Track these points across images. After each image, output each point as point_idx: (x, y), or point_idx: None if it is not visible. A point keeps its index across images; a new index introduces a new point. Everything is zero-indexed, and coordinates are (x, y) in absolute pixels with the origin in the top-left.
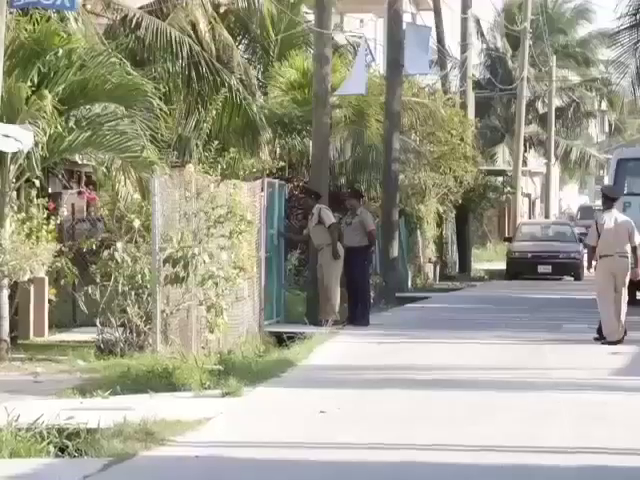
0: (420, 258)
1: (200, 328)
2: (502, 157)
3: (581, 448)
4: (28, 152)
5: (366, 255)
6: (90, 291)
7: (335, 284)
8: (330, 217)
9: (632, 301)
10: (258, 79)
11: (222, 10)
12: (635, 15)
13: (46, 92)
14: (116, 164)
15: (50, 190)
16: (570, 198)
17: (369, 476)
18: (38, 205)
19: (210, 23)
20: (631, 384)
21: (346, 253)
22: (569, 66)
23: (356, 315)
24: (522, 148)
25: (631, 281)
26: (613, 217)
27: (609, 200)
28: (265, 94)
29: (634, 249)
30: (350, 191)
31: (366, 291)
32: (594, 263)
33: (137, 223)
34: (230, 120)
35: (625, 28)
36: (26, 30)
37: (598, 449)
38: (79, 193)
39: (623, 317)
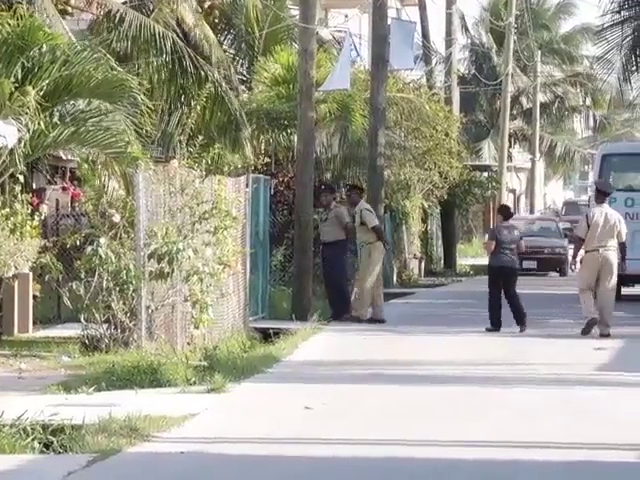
0: (405, 254)
1: (185, 324)
2: (487, 152)
3: (569, 443)
4: (12, 148)
5: (343, 250)
6: (74, 287)
7: (367, 282)
8: (373, 219)
9: (617, 296)
10: (243, 74)
11: (207, 5)
12: (619, 12)
13: (30, 88)
14: (100, 159)
15: (34, 186)
16: (555, 193)
17: (355, 471)
18: (22, 201)
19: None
20: (617, 379)
21: (322, 249)
22: (553, 62)
23: (337, 310)
24: (507, 143)
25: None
26: (604, 212)
27: (602, 195)
28: (250, 89)
29: (622, 244)
30: (350, 185)
31: (343, 286)
32: (580, 257)
33: (117, 218)
34: (212, 116)
35: (610, 25)
36: (9, 25)
37: (586, 444)
38: (63, 189)
39: (611, 312)
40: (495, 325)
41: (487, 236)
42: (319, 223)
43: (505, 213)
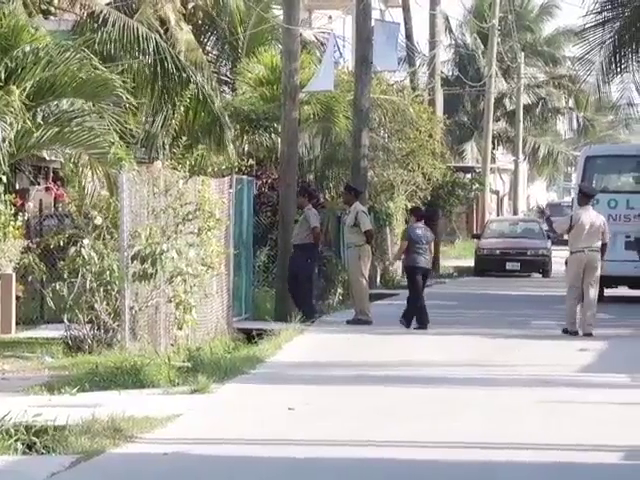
0: (389, 255)
1: (169, 325)
2: (470, 154)
3: (550, 445)
4: None
5: (310, 253)
6: (58, 287)
7: (363, 282)
8: (368, 223)
9: (600, 298)
10: (227, 75)
11: (190, 6)
12: (601, 13)
13: (14, 88)
14: (83, 160)
15: (17, 186)
16: (538, 195)
17: (337, 472)
18: (5, 201)
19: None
20: (599, 380)
21: (293, 250)
22: (537, 64)
23: (304, 312)
24: (490, 145)
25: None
26: (588, 214)
27: (586, 197)
28: (233, 90)
29: (604, 245)
30: (347, 185)
31: (308, 289)
32: (566, 257)
33: (99, 220)
34: (195, 117)
35: (591, 26)
36: None
37: (567, 446)
38: (47, 189)
39: (594, 312)
40: (422, 323)
41: (400, 236)
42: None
43: (418, 214)
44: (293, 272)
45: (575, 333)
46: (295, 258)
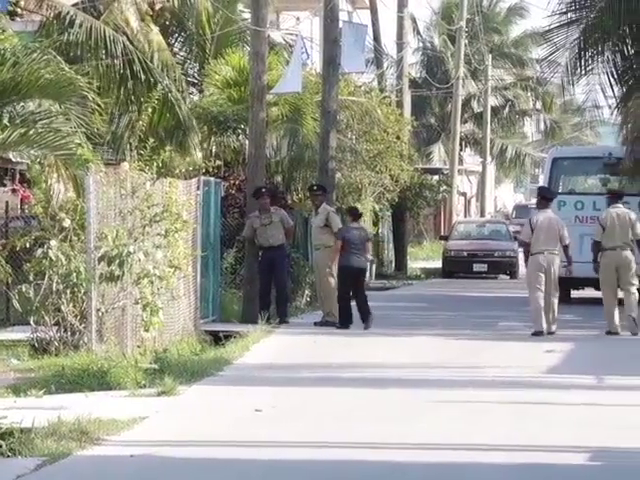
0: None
1: (135, 327)
2: (438, 156)
3: (517, 446)
4: None
5: (286, 253)
6: (24, 289)
7: (333, 284)
8: (338, 222)
9: (566, 300)
10: (194, 77)
11: (157, 7)
12: (566, 13)
13: None
14: (49, 161)
15: None
16: (506, 196)
17: (304, 474)
18: None
19: (143, 21)
20: (566, 382)
21: (266, 252)
22: (504, 66)
23: (280, 313)
24: (458, 147)
25: (564, 279)
26: (547, 216)
27: (544, 200)
28: (201, 92)
29: (565, 247)
30: (317, 186)
31: (287, 288)
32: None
33: (67, 222)
34: (160, 119)
35: (556, 27)
36: None
37: (534, 447)
38: (13, 191)
39: (555, 312)
40: (345, 323)
41: (338, 236)
42: (258, 227)
43: (354, 214)
44: (276, 272)
45: (540, 333)
46: (275, 258)
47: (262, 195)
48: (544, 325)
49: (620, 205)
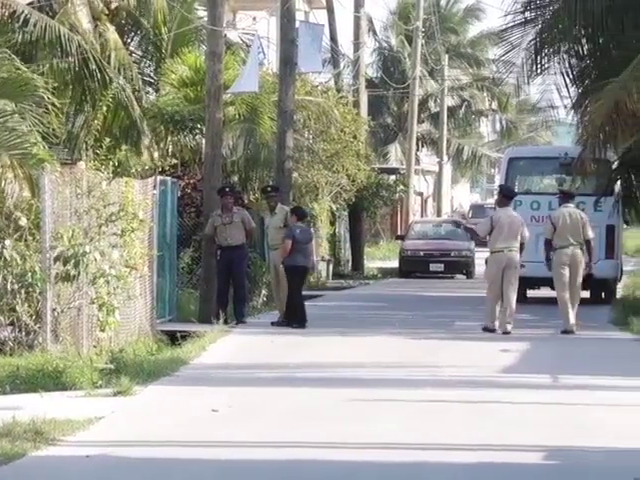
0: (313, 256)
1: (91, 327)
2: (395, 155)
3: (474, 445)
4: None
5: (246, 253)
6: None
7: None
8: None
9: (522, 299)
10: (150, 76)
11: (113, 7)
12: (523, 13)
13: None
14: (4, 161)
15: None
16: (462, 196)
17: (260, 474)
18: None
19: (98, 20)
20: (521, 381)
21: (225, 251)
22: (460, 66)
23: (237, 313)
24: (415, 147)
25: (520, 279)
26: (508, 215)
27: (506, 198)
28: (157, 91)
29: (522, 245)
30: (270, 187)
31: (245, 288)
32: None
33: (24, 222)
34: (115, 118)
35: (512, 26)
36: None
37: (490, 446)
38: None
39: (513, 310)
40: (300, 322)
41: (283, 236)
42: (218, 225)
43: (299, 214)
44: (234, 272)
45: (493, 330)
46: (234, 258)
47: (226, 194)
48: (497, 323)
49: (571, 205)
